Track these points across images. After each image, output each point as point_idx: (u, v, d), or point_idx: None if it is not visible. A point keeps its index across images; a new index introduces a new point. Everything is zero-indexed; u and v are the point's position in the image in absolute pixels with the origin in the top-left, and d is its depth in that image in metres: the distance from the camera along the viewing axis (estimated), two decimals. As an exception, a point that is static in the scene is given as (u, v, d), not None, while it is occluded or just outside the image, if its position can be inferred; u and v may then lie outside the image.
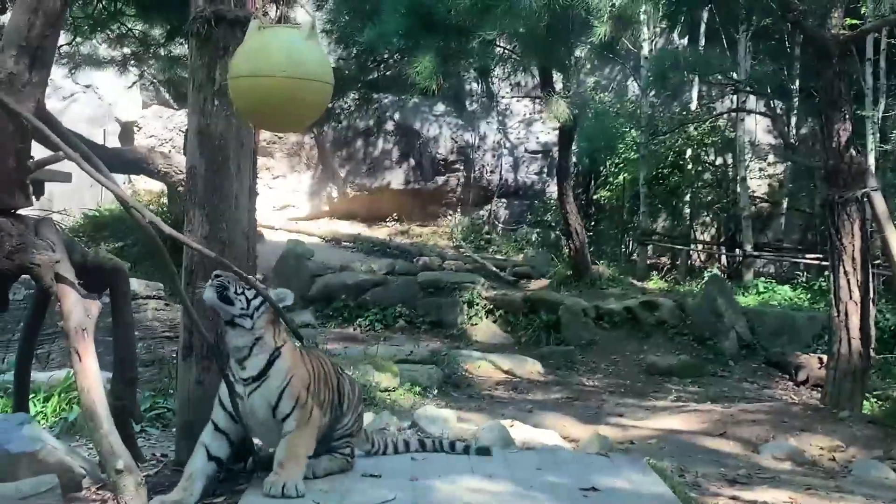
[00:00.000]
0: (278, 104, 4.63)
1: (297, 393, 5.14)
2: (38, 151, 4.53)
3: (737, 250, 19.54)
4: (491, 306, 15.05)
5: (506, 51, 15.98)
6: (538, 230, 22.59)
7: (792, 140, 19.70)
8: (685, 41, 20.01)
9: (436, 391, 10.35)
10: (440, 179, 23.58)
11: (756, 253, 18.88)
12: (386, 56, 17.40)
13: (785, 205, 20.93)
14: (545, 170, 23.80)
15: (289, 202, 23.56)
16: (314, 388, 5.31)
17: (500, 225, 23.44)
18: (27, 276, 4.41)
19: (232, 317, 5.01)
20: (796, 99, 19.28)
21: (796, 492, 6.58)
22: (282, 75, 4.54)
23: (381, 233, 22.34)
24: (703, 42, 18.95)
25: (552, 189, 22.16)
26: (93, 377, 4.09)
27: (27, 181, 4.51)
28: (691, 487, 6.46)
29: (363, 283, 15.31)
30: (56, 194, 18.74)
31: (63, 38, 14.32)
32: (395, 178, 23.56)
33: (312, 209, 23.70)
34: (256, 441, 5.73)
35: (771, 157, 21.52)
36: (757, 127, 21.21)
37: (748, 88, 17.24)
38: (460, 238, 21.95)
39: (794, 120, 20.24)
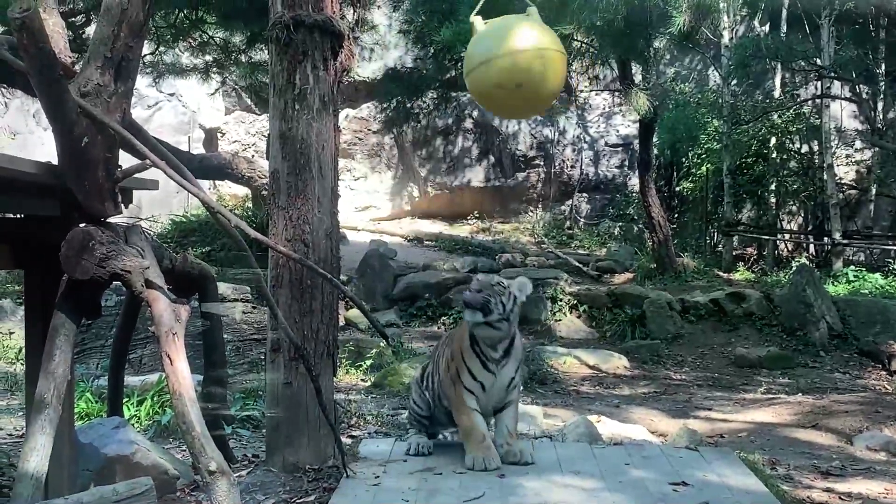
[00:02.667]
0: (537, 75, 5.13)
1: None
2: (126, 160, 4.62)
3: (825, 239, 19.14)
4: (575, 301, 14.96)
5: (583, 44, 15.87)
6: (620, 224, 22.42)
7: (879, 125, 19.27)
8: (766, 28, 19.67)
9: (521, 388, 10.33)
10: (520, 176, 23.53)
11: (845, 241, 18.47)
12: (463, 55, 17.37)
13: (874, 191, 20.44)
14: (626, 163, 23.61)
15: (370, 203, 23.72)
16: None
17: (582, 220, 23.32)
18: (118, 283, 4.50)
19: (491, 322, 5.69)
20: (882, 83, 18.85)
21: (892, 483, 6.45)
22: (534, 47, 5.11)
23: (462, 231, 22.36)
24: (784, 28, 18.60)
25: (634, 182, 21.98)
26: (184, 380, 4.15)
27: (116, 190, 4.60)
28: (783, 480, 6.37)
29: (446, 282, 15.32)
30: (144, 202, 19.15)
31: (146, 48, 14.62)
32: (476, 176, 23.57)
33: (394, 209, 23.82)
34: (346, 439, 5.78)
35: (858, 143, 21.06)
36: (842, 113, 20.77)
37: (832, 74, 16.92)
38: (542, 234, 21.87)
39: (880, 105, 19.75)
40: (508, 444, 5.90)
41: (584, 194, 23.76)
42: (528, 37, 5.14)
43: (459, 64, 18.24)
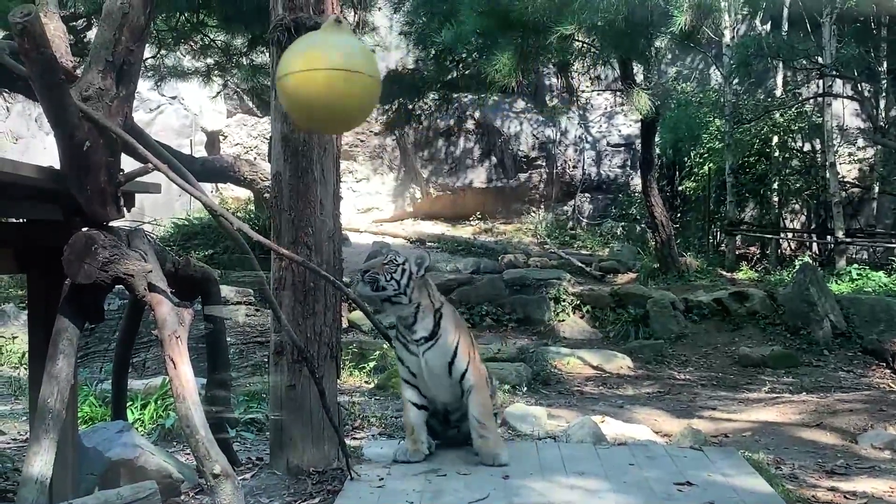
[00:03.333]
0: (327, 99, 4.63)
1: (468, 350, 5.92)
2: (128, 164, 4.62)
3: (828, 237, 19.12)
4: (578, 302, 14.96)
5: (584, 45, 15.86)
6: (623, 224, 22.40)
7: (881, 123, 19.24)
8: (767, 27, 19.66)
9: (525, 388, 10.33)
10: (522, 176, 23.52)
11: (848, 239, 18.45)
12: (464, 55, 17.39)
13: (876, 189, 20.43)
14: (628, 163, 23.60)
15: (372, 204, 23.73)
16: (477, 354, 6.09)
17: (585, 220, 23.31)
18: (121, 287, 4.50)
19: (389, 297, 5.78)
20: (884, 81, 18.82)
21: (897, 481, 6.44)
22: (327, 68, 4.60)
23: (465, 232, 22.36)
24: (786, 27, 18.59)
25: (636, 182, 21.97)
26: (187, 383, 4.16)
27: (118, 194, 4.61)
28: (788, 479, 6.36)
29: (449, 283, 15.31)
30: (146, 205, 19.12)
31: (148, 51, 14.62)
32: (478, 177, 23.56)
33: (396, 210, 23.83)
34: (350, 442, 5.78)
35: (860, 141, 21.04)
36: (845, 111, 20.75)
37: (834, 72, 16.90)
38: (545, 234, 21.86)
39: (882, 102, 19.73)
40: (480, 437, 5.87)
41: (587, 194, 23.76)
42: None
43: (461, 65, 18.30)
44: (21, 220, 5.00)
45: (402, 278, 5.77)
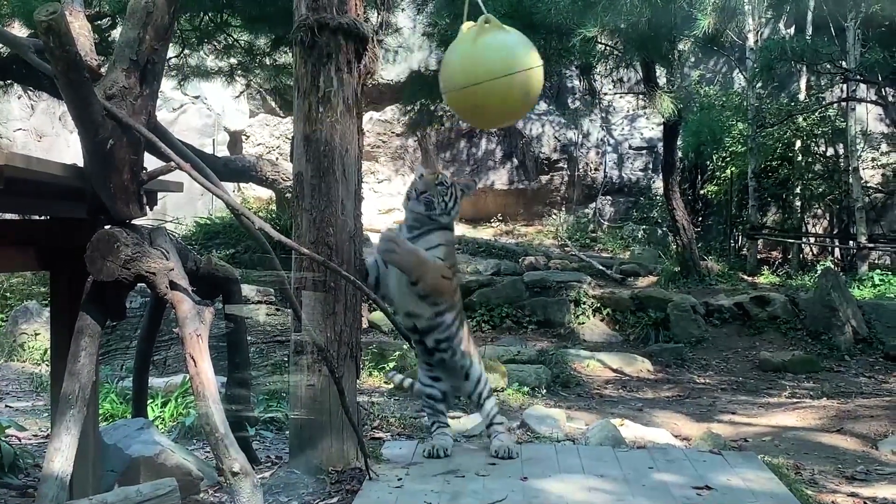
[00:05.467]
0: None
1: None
2: (151, 163, 4.65)
3: (850, 242, 19.01)
4: (598, 305, 14.93)
5: (607, 47, 15.82)
6: (644, 227, 22.31)
7: (906, 128, 19.13)
8: (791, 30, 19.56)
9: (544, 391, 10.32)
10: (544, 178, 23.48)
11: (871, 244, 18.34)
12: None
13: (900, 194, 20.32)
14: (650, 166, 23.51)
15: (394, 205, 23.70)
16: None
17: (606, 222, 23.23)
18: (143, 285, 4.52)
19: (436, 217, 6.18)
20: (909, 86, 18.71)
21: (919, 488, 6.40)
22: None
23: (485, 233, 22.33)
24: (809, 31, 18.48)
25: (658, 185, 21.88)
26: (208, 382, 4.17)
27: (141, 192, 4.63)
28: (808, 484, 6.34)
29: (469, 285, 15.30)
30: (169, 204, 19.24)
31: (171, 51, 14.69)
32: (499, 179, 23.53)
33: (417, 212, 23.80)
34: (369, 442, 5.79)
35: (884, 146, 20.89)
36: (868, 116, 20.61)
37: (858, 76, 16.79)
38: (565, 237, 21.81)
39: (907, 108, 19.64)
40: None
41: (608, 197, 23.68)
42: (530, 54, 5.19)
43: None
44: (44, 218, 5.03)
45: (450, 201, 6.16)
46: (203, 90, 22.45)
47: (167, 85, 17.00)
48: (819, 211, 20.87)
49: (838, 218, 20.54)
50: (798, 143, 19.47)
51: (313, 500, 5.28)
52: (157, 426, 6.67)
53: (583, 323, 14.60)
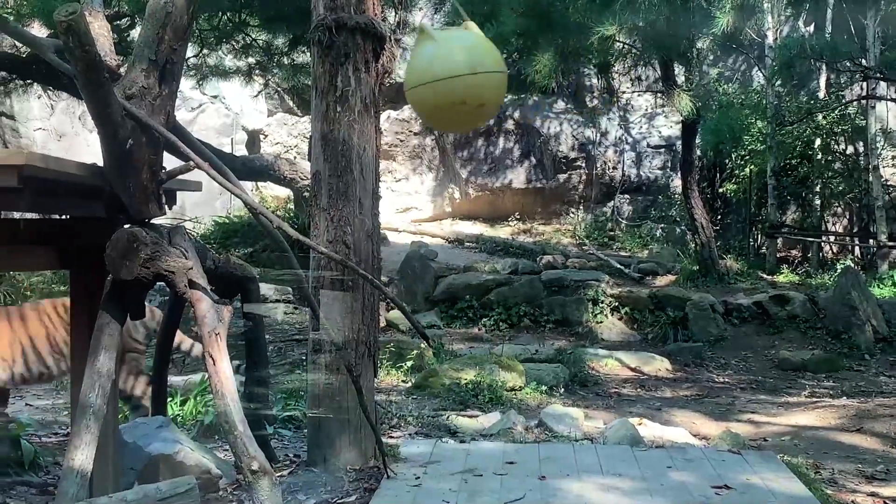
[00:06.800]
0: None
1: None
2: (170, 162, 4.67)
3: (870, 241, 18.90)
4: (616, 304, 14.90)
5: (625, 45, 15.78)
6: (663, 225, 22.24)
7: (926, 126, 19.02)
8: (811, 28, 19.47)
9: (562, 390, 10.30)
10: (562, 177, 23.43)
11: (891, 243, 18.22)
12: (504, 56, 17.32)
13: (921, 193, 20.21)
14: (669, 164, 23.44)
15: (411, 204, 23.73)
16: None
17: (624, 221, 23.17)
18: (162, 284, 4.55)
19: None
20: (930, 84, 18.60)
21: (939, 488, 6.37)
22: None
23: (503, 232, 22.32)
24: (829, 28, 18.39)
25: (676, 183, 21.81)
26: (227, 380, 4.19)
27: (160, 191, 4.65)
28: (827, 484, 6.31)
29: (487, 283, 15.30)
30: (187, 203, 19.29)
31: (190, 51, 14.75)
32: (517, 177, 23.49)
33: (435, 210, 23.82)
34: (387, 440, 5.79)
35: (904, 145, 20.81)
36: (888, 114, 20.48)
37: (878, 74, 16.71)
38: (583, 235, 21.77)
39: (928, 105, 19.51)
40: None
41: (626, 196, 23.61)
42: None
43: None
44: (64, 217, 5.05)
45: None
46: (221, 90, 22.53)
47: (186, 84, 17.06)
48: (839, 209, 20.77)
49: (858, 216, 20.44)
50: (818, 142, 19.38)
51: (331, 499, 5.30)
52: (177, 425, 6.69)
53: (601, 322, 14.58)
